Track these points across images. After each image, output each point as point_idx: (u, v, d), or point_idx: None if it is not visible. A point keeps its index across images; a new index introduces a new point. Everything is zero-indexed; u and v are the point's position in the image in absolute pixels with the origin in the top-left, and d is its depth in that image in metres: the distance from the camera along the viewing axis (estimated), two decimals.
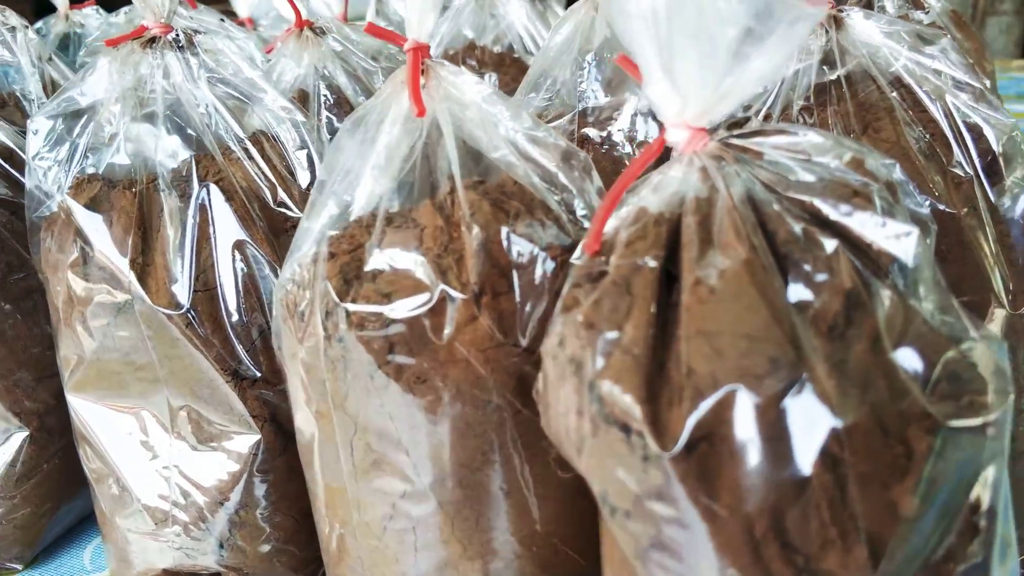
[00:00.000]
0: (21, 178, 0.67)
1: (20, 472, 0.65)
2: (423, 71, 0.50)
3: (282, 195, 0.59)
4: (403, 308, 0.44)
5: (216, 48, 0.63)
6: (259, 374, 0.57)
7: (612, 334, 0.34)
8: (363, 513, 0.49)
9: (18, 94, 0.87)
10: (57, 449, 0.67)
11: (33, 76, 0.90)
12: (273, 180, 0.59)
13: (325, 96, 0.76)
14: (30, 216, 0.62)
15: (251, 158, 0.59)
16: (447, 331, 0.44)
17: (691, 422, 0.31)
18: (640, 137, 0.65)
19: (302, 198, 0.60)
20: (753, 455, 0.30)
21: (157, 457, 0.59)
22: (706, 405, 0.31)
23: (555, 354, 0.37)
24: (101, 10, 1.29)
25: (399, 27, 1.34)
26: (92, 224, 0.56)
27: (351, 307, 0.44)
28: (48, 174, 0.59)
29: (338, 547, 0.52)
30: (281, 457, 0.58)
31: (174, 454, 0.58)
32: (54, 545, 0.71)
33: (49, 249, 0.59)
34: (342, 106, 0.77)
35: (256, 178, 0.59)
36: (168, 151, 0.58)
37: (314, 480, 0.52)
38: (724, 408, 0.31)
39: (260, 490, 0.58)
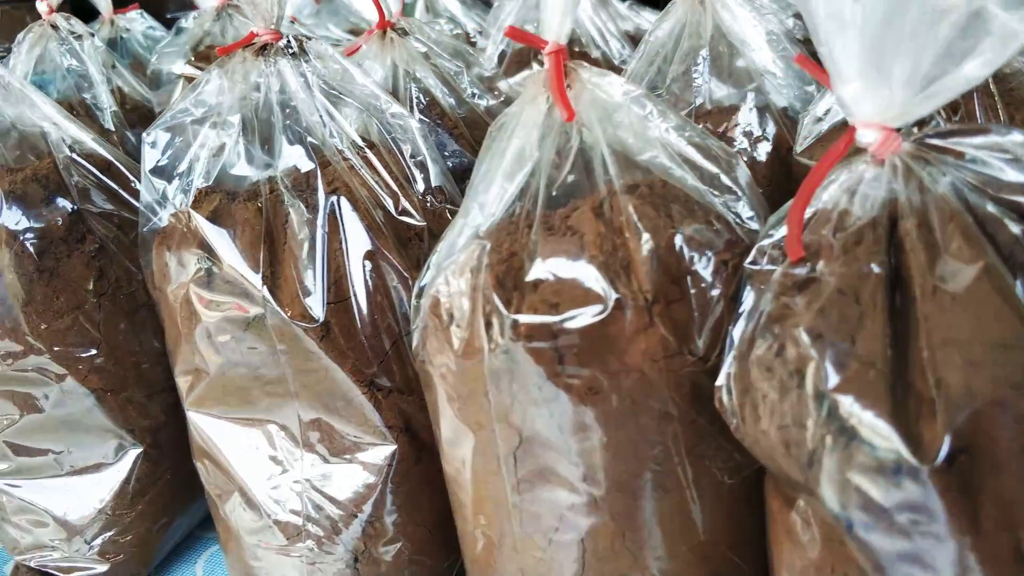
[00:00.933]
0: (119, 190, 0.66)
1: (135, 489, 0.65)
2: (566, 73, 0.49)
3: (403, 203, 0.58)
4: (573, 318, 0.43)
5: (325, 53, 0.61)
6: (393, 384, 0.56)
7: (843, 345, 0.33)
8: (525, 525, 0.48)
9: (88, 103, 0.86)
10: (169, 465, 0.66)
11: (102, 84, 0.89)
12: (395, 188, 0.58)
13: (417, 98, 0.75)
14: (142, 230, 0.61)
15: (371, 166, 0.58)
16: (620, 340, 0.43)
17: (950, 435, 0.30)
18: (757, 133, 0.65)
19: (421, 206, 0.59)
20: (1019, 466, 0.30)
21: (287, 471, 0.58)
22: (963, 417, 0.30)
23: (769, 364, 0.36)
24: (145, 14, 1.28)
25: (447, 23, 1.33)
26: (218, 238, 0.55)
27: (519, 318, 0.44)
28: (164, 187, 0.58)
29: (489, 557, 0.51)
30: (416, 467, 0.58)
31: (305, 468, 0.58)
32: (165, 560, 0.70)
33: (166, 264, 0.58)
34: (432, 108, 0.76)
35: (376, 187, 0.58)
36: (289, 161, 0.57)
37: (461, 490, 0.52)
38: (983, 419, 0.30)
39: (394, 501, 0.58)
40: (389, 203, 0.58)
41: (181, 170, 0.58)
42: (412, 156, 0.61)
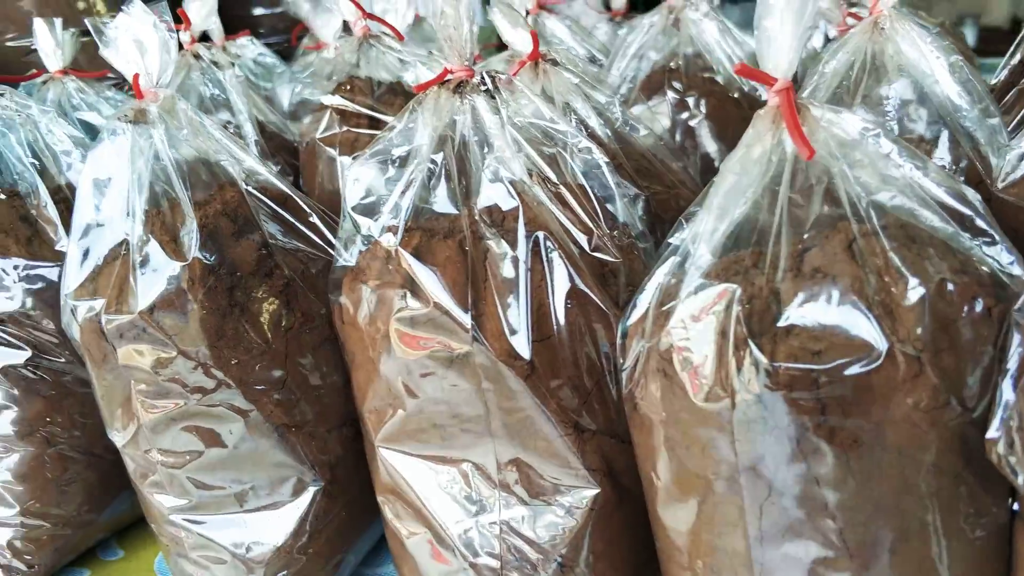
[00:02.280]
0: (297, 223, 0.66)
1: (312, 526, 0.64)
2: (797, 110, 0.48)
3: (596, 240, 0.57)
4: (840, 367, 0.42)
5: (516, 88, 0.61)
6: (596, 425, 0.55)
7: None
8: None
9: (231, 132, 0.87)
10: (345, 501, 0.66)
11: (245, 114, 0.90)
12: (588, 224, 0.57)
13: (578, 130, 0.74)
14: (336, 265, 0.61)
15: (564, 202, 0.58)
16: (889, 390, 0.41)
17: None
18: (951, 167, 0.63)
19: (613, 243, 0.58)
20: None
21: (483, 512, 0.57)
22: None
23: None
24: (255, 40, 1.30)
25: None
26: (423, 275, 0.55)
27: (778, 365, 0.42)
28: (368, 224, 0.57)
29: None
30: (617, 511, 0.56)
31: (503, 509, 0.57)
32: None
33: (361, 300, 0.58)
34: (593, 141, 0.75)
35: (569, 223, 0.57)
36: (488, 197, 0.57)
37: (678, 536, 0.51)
38: None
39: (594, 546, 0.56)
40: (583, 240, 0.57)
41: (381, 207, 0.58)
42: (600, 191, 0.60)
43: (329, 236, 0.67)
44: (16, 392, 0.69)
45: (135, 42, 0.65)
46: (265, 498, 0.64)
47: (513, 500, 0.57)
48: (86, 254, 0.64)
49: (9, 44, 1.22)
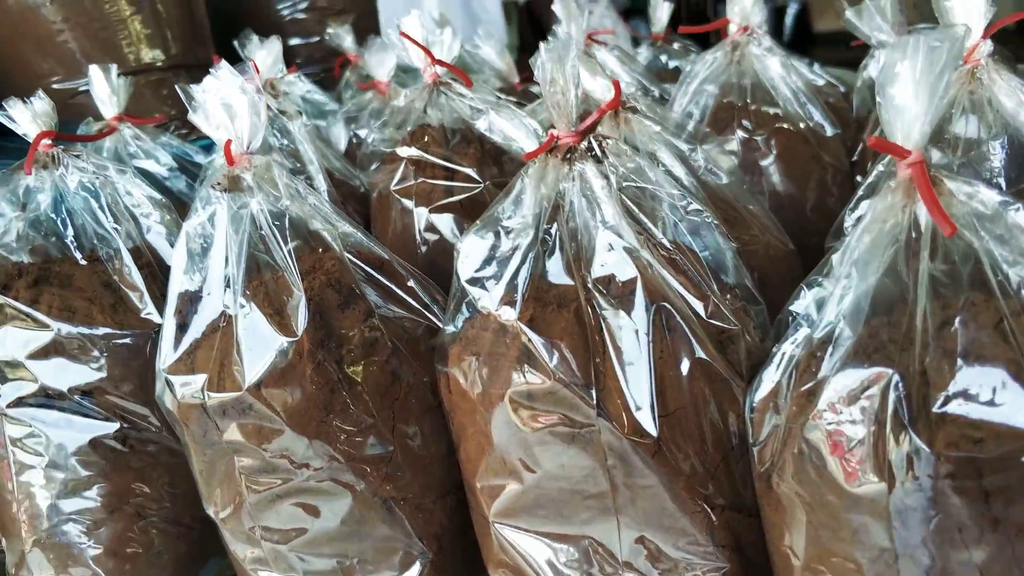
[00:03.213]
0: (395, 288, 0.66)
1: None
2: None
3: (712, 306, 0.57)
4: (1003, 456, 0.41)
5: (621, 151, 0.61)
6: (725, 500, 0.55)
7: None
8: None
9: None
10: (451, 572, 0.65)
11: (315, 164, 0.90)
12: (704, 290, 0.57)
13: None
14: (446, 333, 0.61)
15: (678, 268, 0.58)
16: None
17: None
18: None
19: (728, 307, 0.58)
20: None
21: None
22: None
23: None
24: (303, 76, 1.30)
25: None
26: (543, 348, 0.55)
27: (939, 452, 0.42)
28: (480, 297, 0.57)
29: None
30: None
31: None
32: None
33: (471, 371, 0.58)
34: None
35: (683, 290, 0.57)
36: (602, 267, 0.57)
37: None
38: None
39: None
40: (699, 307, 0.57)
41: (495, 279, 0.57)
42: (709, 253, 0.60)
43: (426, 300, 0.67)
44: (105, 464, 0.69)
45: (224, 106, 0.65)
46: (372, 572, 0.64)
47: None
48: (182, 327, 0.64)
49: (56, 87, 1.22)
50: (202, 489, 0.66)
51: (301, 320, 0.60)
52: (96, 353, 0.69)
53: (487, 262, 0.58)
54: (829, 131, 0.99)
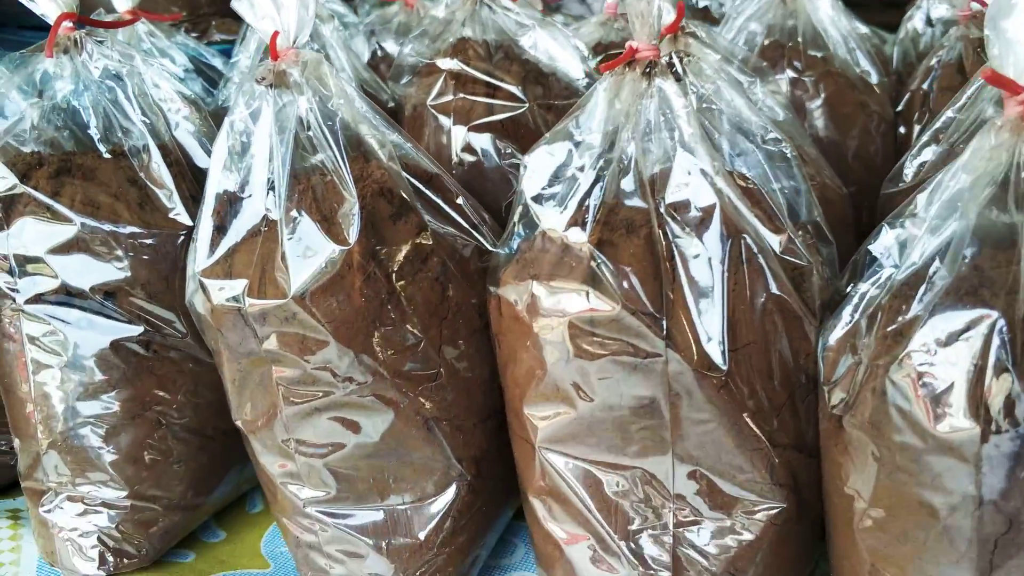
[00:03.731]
0: (444, 205, 0.63)
1: (455, 522, 0.63)
2: None
3: (787, 242, 0.55)
4: None
5: (701, 71, 0.58)
6: (787, 439, 0.53)
7: None
8: None
9: None
10: (486, 497, 0.64)
11: (345, 73, 0.85)
12: (779, 224, 0.55)
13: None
14: (504, 253, 0.58)
15: (755, 200, 0.55)
16: None
17: None
18: None
19: (801, 245, 0.56)
20: None
21: (655, 522, 0.56)
22: None
23: None
24: None
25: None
26: (611, 273, 0.52)
27: None
28: (547, 217, 0.54)
29: None
30: (796, 526, 0.56)
31: (678, 520, 0.55)
32: None
33: (528, 294, 0.55)
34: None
35: (759, 223, 0.55)
36: (679, 193, 0.54)
37: (880, 559, 0.49)
38: None
39: (769, 560, 0.56)
40: (773, 241, 0.55)
41: (561, 195, 0.55)
42: (786, 188, 0.58)
43: (475, 219, 0.64)
44: (126, 369, 0.66)
45: None
46: (408, 492, 0.62)
47: (689, 511, 0.55)
48: (220, 229, 0.60)
49: None
50: (232, 399, 0.63)
51: (353, 229, 0.56)
52: (120, 252, 0.65)
53: (555, 179, 0.55)
54: (875, 78, 0.96)
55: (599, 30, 1.05)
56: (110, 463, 0.67)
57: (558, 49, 0.85)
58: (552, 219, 0.54)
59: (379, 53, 1.08)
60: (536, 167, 0.56)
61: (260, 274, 0.58)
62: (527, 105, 0.80)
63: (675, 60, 0.57)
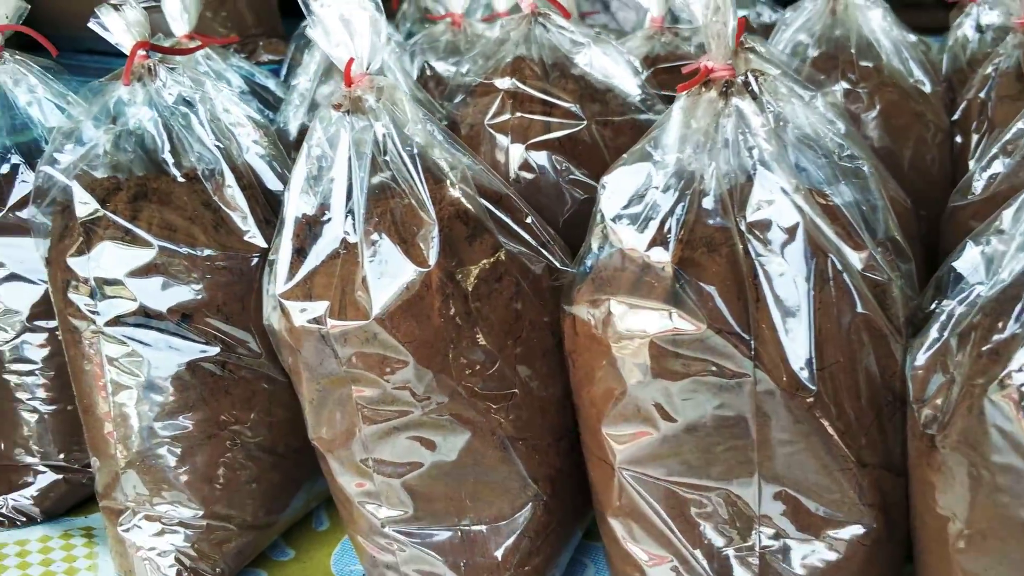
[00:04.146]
0: (513, 225, 0.63)
1: (531, 543, 0.63)
2: None
3: (868, 259, 0.55)
4: None
5: (777, 89, 0.58)
6: (876, 459, 0.53)
7: None
8: None
9: None
10: (561, 516, 0.64)
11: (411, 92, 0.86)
12: (860, 241, 0.55)
13: None
14: (578, 270, 0.58)
15: (834, 216, 0.55)
16: None
17: None
18: None
19: (882, 262, 0.56)
20: None
21: (740, 544, 0.56)
22: None
23: None
24: None
25: None
26: (696, 292, 0.52)
27: None
28: (627, 237, 0.55)
29: None
30: (886, 546, 0.55)
31: (762, 541, 0.55)
32: None
33: (606, 314, 0.55)
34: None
35: (840, 240, 0.55)
36: (761, 211, 0.54)
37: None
38: None
39: None
40: (855, 258, 0.55)
41: (642, 214, 0.55)
42: (863, 204, 0.58)
43: (544, 237, 0.64)
44: (202, 389, 0.67)
45: (342, 21, 0.62)
46: (485, 512, 0.62)
47: (774, 532, 0.55)
48: (300, 252, 0.61)
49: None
50: (309, 418, 0.64)
51: (433, 250, 0.57)
52: (197, 274, 0.66)
53: (635, 199, 0.56)
54: (929, 87, 0.95)
55: (646, 44, 1.05)
56: (186, 482, 0.68)
57: (613, 66, 0.85)
58: (633, 239, 0.55)
59: (427, 72, 1.09)
60: (615, 188, 0.56)
61: (340, 296, 0.59)
62: (585, 122, 0.80)
63: (751, 78, 0.57)
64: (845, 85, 0.92)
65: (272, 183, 0.72)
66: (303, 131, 0.91)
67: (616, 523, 0.60)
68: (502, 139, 0.82)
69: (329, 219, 0.61)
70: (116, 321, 0.66)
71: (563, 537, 0.66)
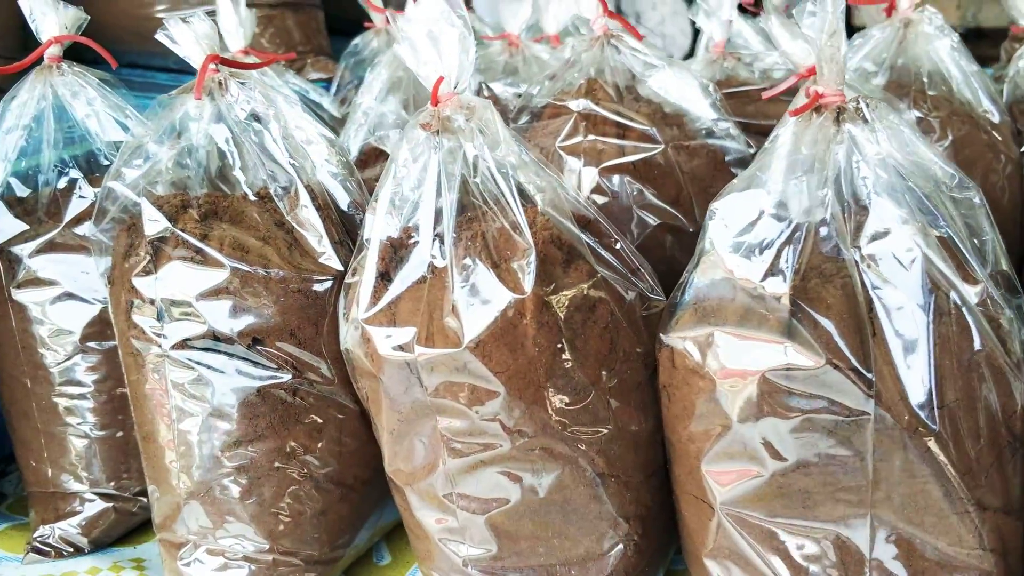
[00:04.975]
0: (602, 251, 0.61)
1: None
2: None
3: (983, 294, 0.53)
4: None
5: (885, 116, 0.56)
6: (996, 502, 0.51)
7: None
8: None
9: None
10: (650, 558, 0.62)
11: None
12: (977, 277, 0.53)
13: None
14: (677, 301, 0.57)
15: (950, 250, 0.53)
16: None
17: None
18: None
19: (997, 296, 0.54)
20: None
21: None
22: None
23: None
24: None
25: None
26: (814, 325, 0.50)
27: None
28: (741, 268, 0.53)
29: None
30: None
31: None
32: None
33: (711, 345, 0.54)
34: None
35: (952, 273, 0.53)
36: (875, 239, 0.52)
37: None
38: None
39: None
40: (970, 292, 0.53)
41: (756, 243, 0.53)
42: (974, 236, 0.56)
43: (634, 263, 0.63)
44: (272, 417, 0.65)
45: (431, 38, 0.61)
46: (572, 552, 0.60)
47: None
48: (383, 276, 0.59)
49: (160, 15, 1.16)
50: (387, 448, 0.62)
51: (529, 276, 0.55)
52: (270, 297, 0.64)
53: (747, 227, 0.54)
54: (998, 118, 0.95)
55: (708, 69, 1.04)
56: (252, 515, 0.66)
57: (687, 89, 0.84)
58: (745, 267, 0.53)
59: (484, 92, 1.08)
60: (728, 214, 0.54)
61: (428, 322, 0.57)
62: (662, 146, 0.79)
63: (862, 104, 0.56)
64: (917, 113, 0.91)
65: (344, 203, 0.71)
66: (365, 150, 0.90)
67: (713, 564, 0.58)
68: (574, 161, 0.81)
69: (416, 242, 0.59)
70: (183, 344, 0.64)
71: None
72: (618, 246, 0.63)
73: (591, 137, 0.80)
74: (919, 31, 0.95)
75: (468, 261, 0.57)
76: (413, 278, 0.59)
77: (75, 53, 0.82)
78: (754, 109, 0.98)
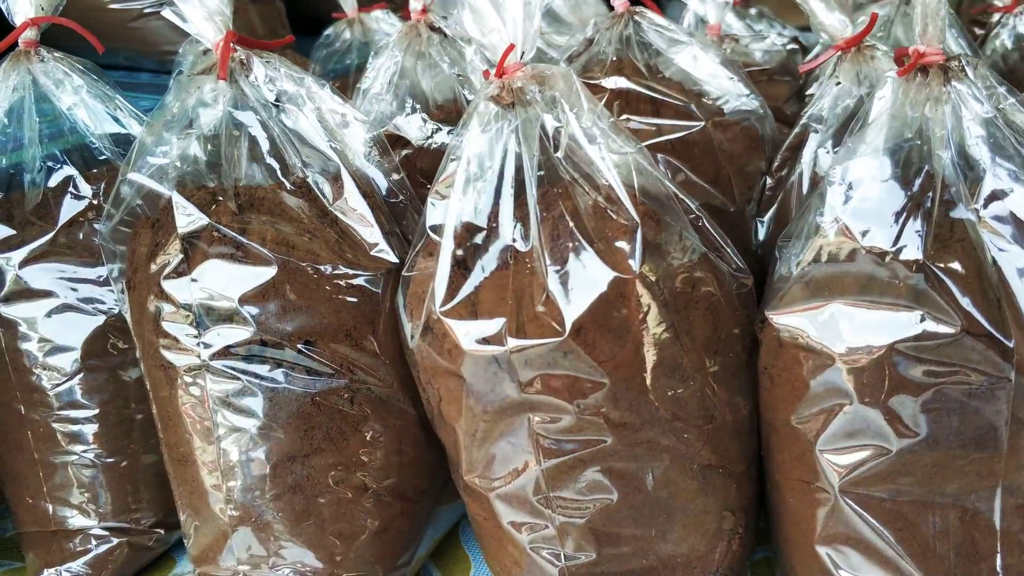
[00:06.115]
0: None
1: None
2: None
3: None
4: None
5: (987, 75, 0.55)
6: None
7: None
8: None
9: None
10: (750, 551, 0.58)
11: None
12: None
13: None
14: (772, 280, 0.54)
15: None
16: None
17: None
18: None
19: None
20: None
21: (981, 564, 0.51)
22: None
23: None
24: (391, 12, 1.19)
25: None
26: (945, 292, 0.48)
27: None
28: (861, 233, 0.50)
29: None
30: None
31: (1007, 562, 0.51)
32: None
33: (829, 320, 0.51)
34: None
35: None
36: (996, 199, 0.51)
37: None
38: None
39: None
40: None
41: (884, 208, 0.51)
42: None
43: (718, 240, 0.60)
44: (330, 428, 0.59)
45: (495, 5, 0.56)
46: (677, 550, 0.56)
47: (1018, 551, 0.51)
48: (460, 265, 0.54)
49: (113, 7, 1.07)
50: (465, 454, 0.56)
51: (636, 256, 0.51)
52: (320, 295, 0.58)
53: (870, 194, 0.51)
54: None
55: None
56: (310, 539, 0.59)
57: (713, 65, 0.82)
58: (872, 236, 0.50)
59: None
60: (845, 182, 0.52)
61: (517, 311, 0.53)
62: (702, 122, 0.76)
63: (964, 63, 0.54)
64: None
65: (384, 189, 0.65)
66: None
67: (828, 552, 0.55)
68: None
69: (495, 226, 0.54)
70: (225, 353, 0.57)
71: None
72: (701, 223, 0.60)
73: (624, 116, 0.77)
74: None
75: (561, 242, 0.53)
76: (495, 264, 0.54)
77: (50, 40, 0.74)
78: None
